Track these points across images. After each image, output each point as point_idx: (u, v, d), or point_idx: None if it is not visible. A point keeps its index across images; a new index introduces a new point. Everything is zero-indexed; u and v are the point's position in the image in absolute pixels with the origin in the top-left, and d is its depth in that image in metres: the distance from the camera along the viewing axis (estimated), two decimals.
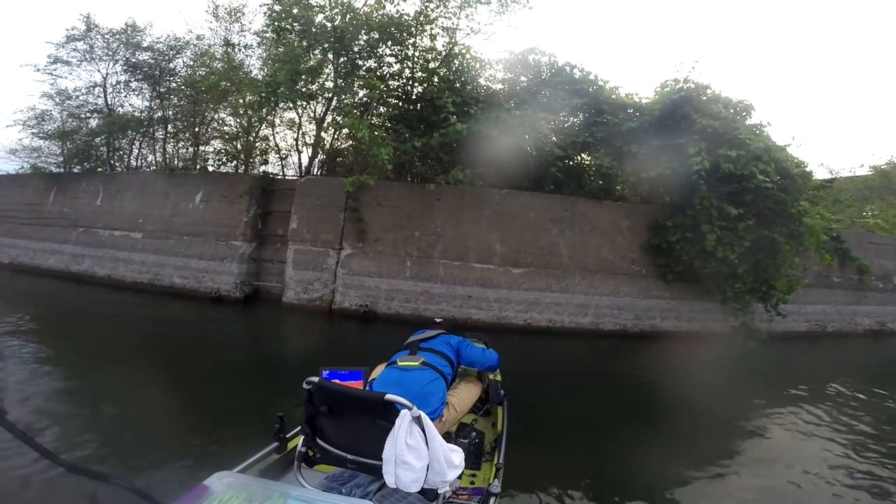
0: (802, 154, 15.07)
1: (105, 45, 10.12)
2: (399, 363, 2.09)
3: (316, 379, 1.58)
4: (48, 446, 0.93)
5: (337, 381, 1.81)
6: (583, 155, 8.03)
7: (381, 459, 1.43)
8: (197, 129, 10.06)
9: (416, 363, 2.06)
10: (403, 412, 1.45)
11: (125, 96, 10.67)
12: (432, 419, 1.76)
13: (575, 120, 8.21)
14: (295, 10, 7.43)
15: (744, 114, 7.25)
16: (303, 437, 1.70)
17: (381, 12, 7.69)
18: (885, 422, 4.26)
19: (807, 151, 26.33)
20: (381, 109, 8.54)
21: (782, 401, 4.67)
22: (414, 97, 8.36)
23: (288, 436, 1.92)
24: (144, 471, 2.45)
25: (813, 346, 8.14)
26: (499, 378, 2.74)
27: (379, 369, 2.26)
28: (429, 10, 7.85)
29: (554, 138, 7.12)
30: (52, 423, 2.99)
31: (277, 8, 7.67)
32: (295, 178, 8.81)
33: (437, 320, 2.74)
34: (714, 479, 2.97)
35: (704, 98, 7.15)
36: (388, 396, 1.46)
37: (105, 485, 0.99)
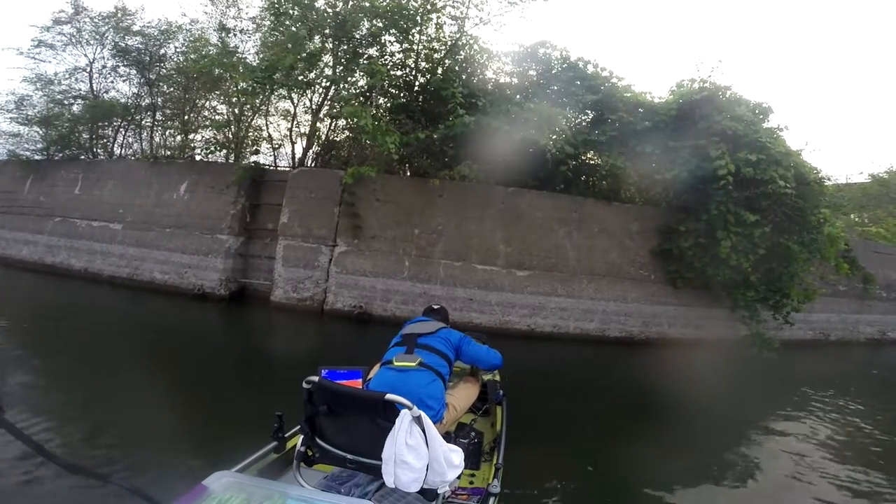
0: (814, 160, 15.34)
1: (93, 28, 10.15)
2: (395, 363, 2.04)
3: (315, 378, 1.62)
4: (45, 446, 0.96)
5: (329, 379, 1.85)
6: (590, 154, 8.09)
7: (380, 459, 1.47)
8: (186, 118, 10.09)
9: (413, 364, 2.02)
10: (404, 412, 1.49)
11: (112, 82, 10.75)
12: (433, 422, 1.79)
13: (584, 117, 8.28)
14: None
15: (761, 116, 7.34)
16: (302, 436, 1.75)
17: None
18: (882, 434, 4.45)
19: (816, 157, 26.64)
20: (381, 101, 8.58)
21: (781, 409, 4.89)
22: (417, 88, 8.40)
23: (287, 435, 1.97)
24: (139, 470, 2.50)
25: (816, 355, 8.41)
26: (498, 378, 2.78)
27: (375, 369, 2.27)
28: None
29: (564, 135, 7.16)
30: (45, 422, 3.03)
31: None
32: (287, 169, 8.82)
33: (436, 307, 2.68)
34: (710, 481, 3.15)
35: (724, 99, 7.22)
36: (389, 396, 1.51)
37: (105, 485, 1.02)
